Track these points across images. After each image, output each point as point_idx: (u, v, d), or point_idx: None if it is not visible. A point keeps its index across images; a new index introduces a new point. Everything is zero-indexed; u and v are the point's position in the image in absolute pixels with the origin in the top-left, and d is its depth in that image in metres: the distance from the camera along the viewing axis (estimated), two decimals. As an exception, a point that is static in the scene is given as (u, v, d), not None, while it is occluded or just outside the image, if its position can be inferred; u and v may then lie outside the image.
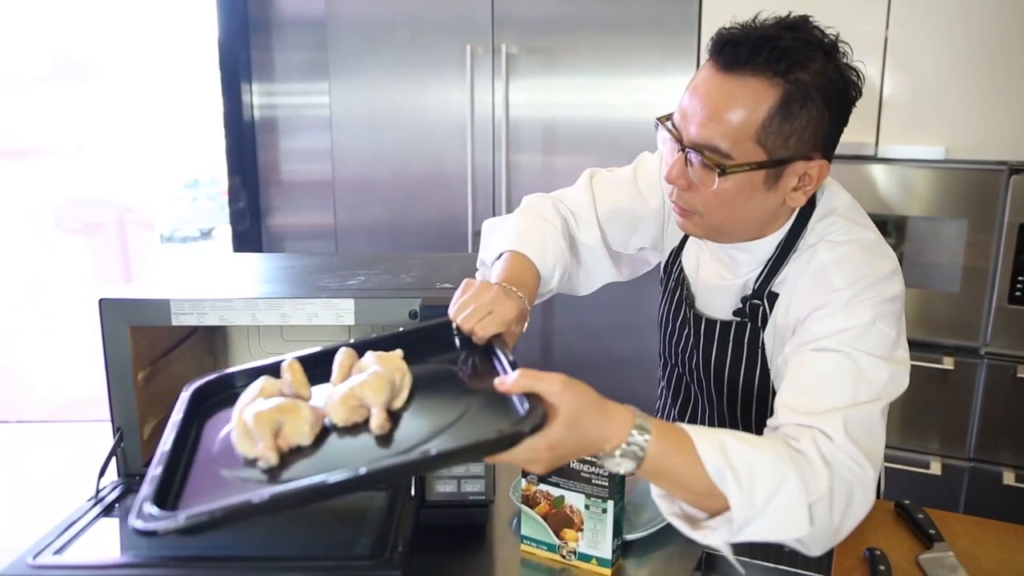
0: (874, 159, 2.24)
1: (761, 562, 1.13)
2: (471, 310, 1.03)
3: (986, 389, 2.23)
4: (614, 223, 1.32)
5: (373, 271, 1.37)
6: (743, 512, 0.88)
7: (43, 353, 3.46)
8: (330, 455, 0.87)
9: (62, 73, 3.32)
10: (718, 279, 1.22)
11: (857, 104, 1.06)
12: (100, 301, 1.19)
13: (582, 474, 1.16)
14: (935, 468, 2.30)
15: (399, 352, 0.98)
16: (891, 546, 1.16)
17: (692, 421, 1.36)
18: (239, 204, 3.09)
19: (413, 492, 1.16)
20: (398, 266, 1.41)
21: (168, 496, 0.82)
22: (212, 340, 1.54)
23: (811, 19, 1.04)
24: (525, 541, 1.16)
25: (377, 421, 0.89)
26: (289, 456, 0.87)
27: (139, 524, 0.76)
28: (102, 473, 1.18)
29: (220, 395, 1.01)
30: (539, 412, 0.82)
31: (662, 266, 1.38)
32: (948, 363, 2.23)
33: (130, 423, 1.23)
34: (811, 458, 0.92)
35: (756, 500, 0.88)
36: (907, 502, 1.25)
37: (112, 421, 1.24)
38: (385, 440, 0.88)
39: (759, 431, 1.04)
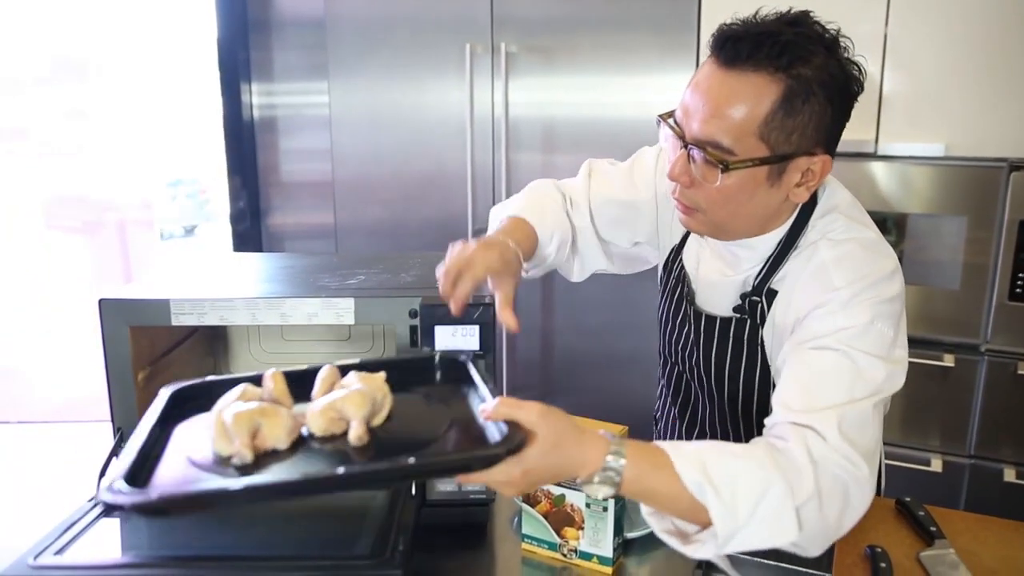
0: (874, 156, 2.24)
1: (761, 560, 1.12)
2: (442, 274, 1.06)
3: (987, 386, 2.23)
4: (605, 211, 1.34)
5: (373, 270, 1.37)
6: (727, 525, 0.88)
7: (43, 353, 3.46)
8: (304, 461, 0.89)
9: (62, 73, 3.32)
10: (718, 275, 1.22)
11: (858, 100, 1.06)
12: (100, 301, 1.19)
13: (583, 473, 1.16)
14: (936, 465, 2.30)
15: (382, 374, 1.00)
16: (892, 543, 1.16)
17: (692, 419, 1.36)
18: (239, 204, 3.09)
19: (414, 491, 1.16)
20: (398, 265, 1.41)
21: (139, 478, 0.84)
22: (212, 340, 1.54)
23: (812, 14, 1.03)
24: (526, 540, 1.16)
25: (356, 433, 0.91)
26: (263, 458, 0.89)
27: (108, 497, 0.78)
28: (103, 473, 1.18)
29: (198, 400, 1.02)
30: (517, 437, 0.84)
31: (662, 264, 1.38)
32: (948, 360, 2.23)
33: (130, 423, 1.23)
34: (797, 460, 0.91)
35: (740, 511, 0.88)
36: (908, 499, 1.25)
37: (112, 421, 1.24)
38: (361, 452, 0.90)
39: (759, 428, 1.04)
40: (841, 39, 1.03)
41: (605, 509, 1.09)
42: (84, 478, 1.18)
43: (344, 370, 1.02)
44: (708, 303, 1.25)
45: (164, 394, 1.04)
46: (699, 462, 0.90)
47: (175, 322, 1.20)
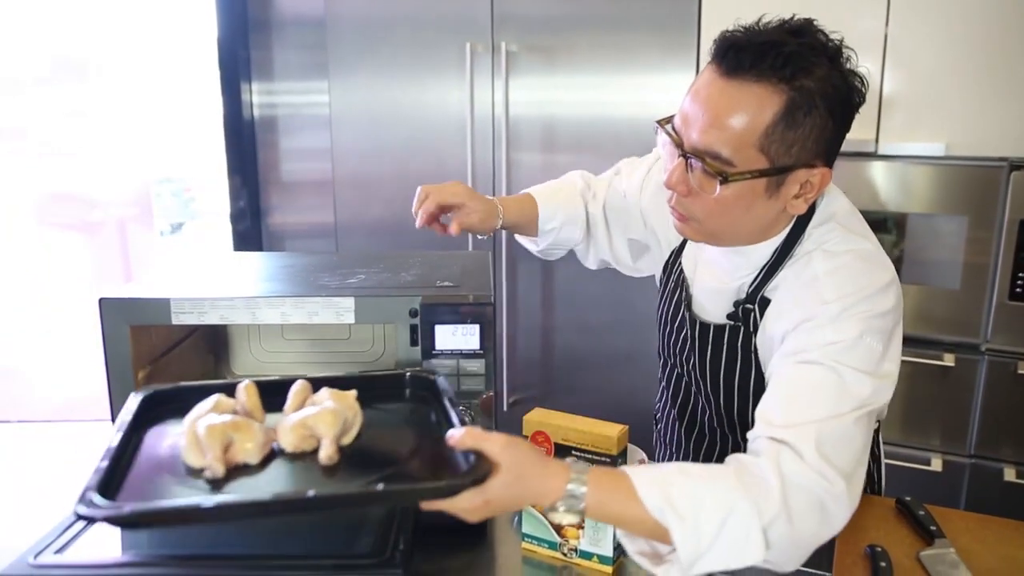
0: (874, 156, 2.24)
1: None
2: (416, 193, 1.37)
3: (987, 385, 2.23)
4: (613, 204, 1.46)
5: (373, 269, 1.37)
6: (690, 548, 0.89)
7: (43, 353, 3.46)
8: (274, 477, 0.93)
9: (62, 73, 3.32)
10: (714, 282, 1.22)
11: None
12: (100, 300, 1.19)
13: (583, 472, 1.15)
14: (936, 465, 2.30)
15: (353, 392, 1.03)
16: (892, 542, 1.16)
17: (692, 420, 1.36)
18: (239, 203, 3.09)
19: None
20: (398, 264, 1.41)
21: (110, 488, 0.88)
22: (213, 339, 1.54)
23: (815, 23, 1.02)
24: (526, 539, 1.16)
25: (326, 452, 0.94)
26: (234, 472, 0.92)
27: (82, 509, 0.81)
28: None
29: (169, 405, 1.06)
30: (482, 468, 0.87)
31: (663, 265, 1.38)
32: (949, 360, 2.23)
33: (131, 422, 1.23)
34: (766, 478, 0.91)
35: (704, 534, 0.89)
36: (908, 499, 1.25)
37: (113, 421, 1.24)
38: (330, 472, 0.93)
39: None
40: (844, 49, 1.01)
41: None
42: (84, 478, 1.18)
43: (317, 384, 1.05)
44: (703, 309, 1.25)
45: (136, 398, 1.07)
46: (661, 486, 0.91)
47: (175, 321, 1.20)
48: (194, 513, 0.84)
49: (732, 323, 1.19)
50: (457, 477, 0.87)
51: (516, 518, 1.22)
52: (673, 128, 1.06)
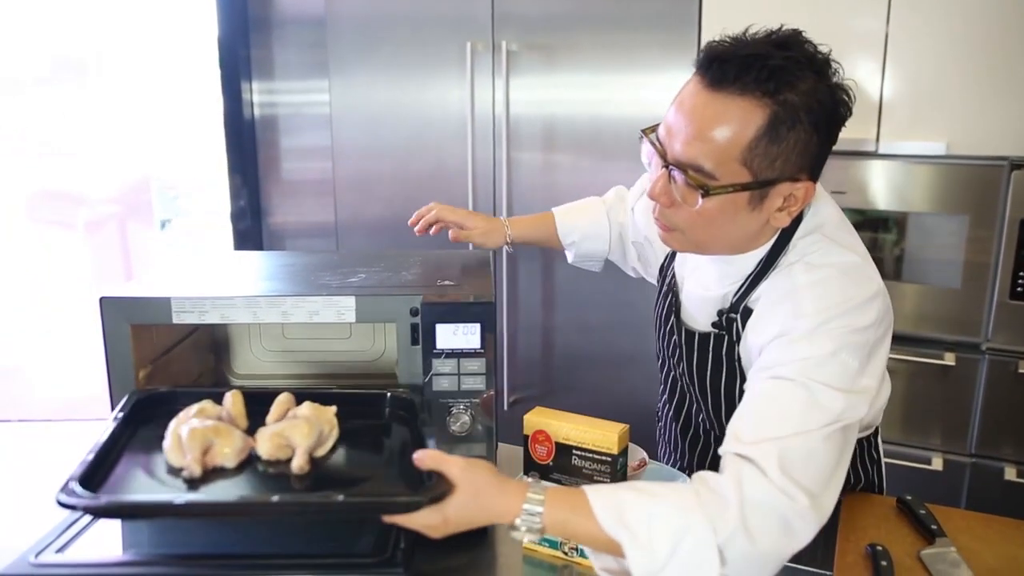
0: (875, 155, 2.24)
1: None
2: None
3: (988, 385, 2.23)
4: (636, 208, 1.49)
5: (374, 268, 1.37)
6: (644, 567, 0.89)
7: (44, 352, 3.46)
8: (246, 481, 0.98)
9: (62, 73, 3.32)
10: (701, 290, 1.22)
11: (855, 106, 1.03)
12: (101, 299, 1.19)
13: (584, 470, 1.16)
14: (937, 464, 2.30)
15: (333, 408, 1.09)
16: (893, 541, 1.16)
17: (687, 420, 1.37)
18: (240, 202, 3.09)
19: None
20: (399, 263, 1.41)
21: (94, 480, 0.94)
22: (213, 338, 1.54)
23: (803, 34, 1.01)
24: (527, 538, 1.16)
25: (298, 462, 1.00)
26: (211, 473, 0.99)
27: (62, 498, 0.87)
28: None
29: (161, 408, 1.12)
30: (440, 488, 0.92)
31: (658, 267, 1.39)
32: (949, 359, 2.23)
33: (131, 421, 1.23)
34: (725, 495, 0.91)
35: (658, 553, 0.89)
36: (909, 497, 1.25)
37: (113, 419, 1.24)
38: (300, 480, 0.99)
39: None
40: (832, 62, 1.00)
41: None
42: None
43: (300, 397, 1.10)
44: (691, 316, 1.25)
45: (130, 399, 1.14)
46: (616, 505, 0.91)
47: (176, 320, 1.20)
48: (165, 508, 0.92)
49: (716, 331, 1.19)
50: (415, 495, 0.92)
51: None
52: (657, 138, 1.06)
